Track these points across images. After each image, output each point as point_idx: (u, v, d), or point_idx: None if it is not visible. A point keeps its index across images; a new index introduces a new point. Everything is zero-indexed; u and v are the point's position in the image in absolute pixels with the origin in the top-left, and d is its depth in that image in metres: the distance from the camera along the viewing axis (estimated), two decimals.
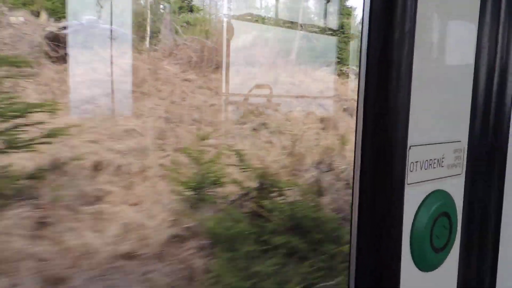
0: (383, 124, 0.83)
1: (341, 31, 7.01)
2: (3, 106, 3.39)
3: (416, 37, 0.83)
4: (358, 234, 0.89)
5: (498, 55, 1.03)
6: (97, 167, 4.44)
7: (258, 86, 5.99)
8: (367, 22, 0.83)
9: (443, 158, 0.95)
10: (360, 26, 0.87)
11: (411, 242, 0.91)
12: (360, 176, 0.87)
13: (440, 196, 0.96)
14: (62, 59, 5.47)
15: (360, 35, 0.84)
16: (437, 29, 0.90)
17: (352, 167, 0.89)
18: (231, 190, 4.35)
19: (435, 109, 0.92)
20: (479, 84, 1.02)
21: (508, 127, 1.08)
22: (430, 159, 0.92)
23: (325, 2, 6.79)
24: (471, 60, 1.00)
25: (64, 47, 5.44)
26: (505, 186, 1.11)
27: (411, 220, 0.91)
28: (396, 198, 0.86)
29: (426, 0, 0.83)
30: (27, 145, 3.37)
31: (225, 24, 5.97)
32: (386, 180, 0.84)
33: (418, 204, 0.92)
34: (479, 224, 1.09)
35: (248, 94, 5.90)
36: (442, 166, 0.95)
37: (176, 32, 6.17)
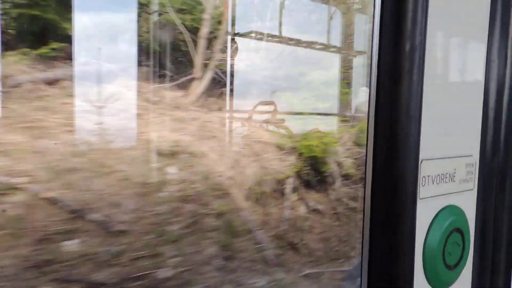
0: (395, 137, 0.82)
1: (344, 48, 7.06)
2: None
3: (426, 50, 0.82)
4: (370, 249, 0.87)
5: (508, 69, 1.02)
6: None
7: (262, 103, 6.00)
8: (377, 35, 0.82)
9: (454, 172, 0.94)
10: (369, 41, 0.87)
11: (424, 259, 0.89)
12: (371, 190, 0.85)
13: (452, 212, 0.94)
14: None
15: (370, 48, 0.84)
16: (447, 42, 0.89)
17: (363, 182, 0.87)
18: None
19: (446, 123, 0.91)
20: (489, 98, 1.01)
21: None
22: (442, 174, 0.91)
23: (328, 19, 6.86)
24: (481, 73, 0.99)
25: None
26: None
27: (424, 236, 0.89)
28: (408, 213, 0.84)
29: (436, 13, 0.83)
30: None
31: (229, 42, 6.02)
32: (398, 194, 0.83)
33: (431, 220, 0.90)
34: (492, 241, 1.06)
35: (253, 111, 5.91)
36: (454, 181, 0.94)
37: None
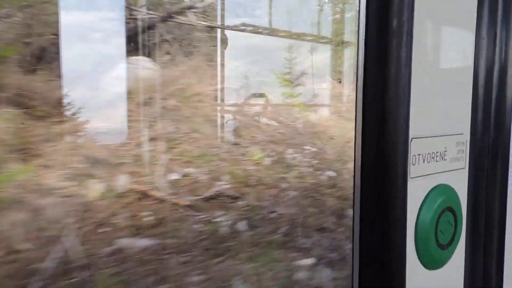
0: (384, 115, 0.80)
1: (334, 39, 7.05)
2: None
3: (414, 26, 0.81)
4: (361, 230, 0.86)
5: (497, 47, 1.01)
6: None
7: (254, 95, 5.97)
8: (364, 12, 0.81)
9: (445, 151, 0.92)
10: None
11: (416, 239, 0.88)
12: (361, 170, 0.84)
13: (443, 191, 0.93)
14: None
15: (357, 24, 0.82)
16: (435, 18, 0.88)
17: (353, 162, 0.86)
18: None
19: (435, 101, 0.90)
20: (479, 76, 1.00)
21: (510, 119, 1.06)
22: (433, 152, 0.89)
23: (319, 10, 6.82)
24: (470, 50, 0.98)
25: None
26: (509, 180, 1.08)
27: (415, 216, 0.88)
28: (399, 192, 0.83)
29: None
30: None
31: (219, 35, 5.97)
32: (389, 174, 0.82)
33: (422, 199, 0.89)
34: (484, 220, 1.06)
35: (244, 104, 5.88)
36: (444, 160, 0.93)
37: None
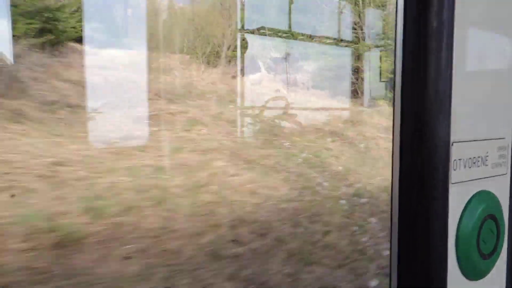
0: (424, 119, 0.77)
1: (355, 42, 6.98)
2: None
3: (455, 27, 0.77)
4: (399, 238, 0.82)
5: None
6: None
7: (274, 98, 5.96)
8: (402, 11, 0.78)
9: (487, 156, 0.88)
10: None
11: (457, 248, 0.84)
12: (399, 175, 0.81)
13: (485, 197, 0.89)
14: None
15: (395, 24, 0.80)
16: (477, 18, 0.84)
17: (391, 168, 0.83)
18: None
19: (477, 104, 0.86)
20: None
21: None
22: (474, 157, 0.86)
23: (339, 12, 6.78)
24: None
25: None
26: None
27: (456, 224, 0.84)
28: (440, 198, 0.79)
29: None
30: None
31: (239, 38, 5.99)
32: (429, 179, 0.78)
33: (463, 206, 0.85)
34: None
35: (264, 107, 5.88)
36: (486, 165, 0.89)
37: None
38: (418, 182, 0.79)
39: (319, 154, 5.26)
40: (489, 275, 0.91)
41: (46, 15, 4.28)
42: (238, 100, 5.63)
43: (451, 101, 0.78)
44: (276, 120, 5.70)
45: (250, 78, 5.92)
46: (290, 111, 5.83)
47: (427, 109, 0.77)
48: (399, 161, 0.80)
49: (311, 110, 6.20)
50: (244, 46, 5.80)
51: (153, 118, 4.35)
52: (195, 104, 4.98)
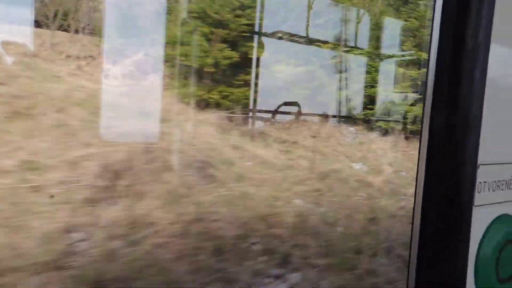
0: (452, 139, 0.77)
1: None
2: None
3: (491, 49, 0.77)
4: (418, 257, 0.82)
5: None
6: None
7: (286, 104, 5.94)
8: (438, 31, 0.78)
9: (511, 179, 0.88)
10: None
11: (476, 270, 0.83)
12: (423, 194, 0.80)
13: (507, 221, 0.88)
14: None
15: (429, 44, 0.79)
16: (510, 42, 0.84)
17: (414, 186, 0.82)
18: None
19: (505, 127, 0.86)
20: None
21: None
22: (498, 180, 0.85)
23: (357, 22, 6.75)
24: None
25: None
26: None
27: (476, 246, 0.84)
28: (463, 219, 0.79)
29: (503, 9, 0.78)
30: None
31: (255, 42, 5.98)
32: (454, 200, 0.78)
33: (485, 229, 0.84)
34: None
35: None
36: (510, 189, 0.88)
37: None
38: (443, 203, 0.78)
39: None
40: None
41: None
42: None
43: (481, 123, 0.78)
44: None
45: None
46: None
47: (456, 129, 0.76)
48: (424, 179, 0.80)
49: None
50: None
51: None
52: None
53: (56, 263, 2.10)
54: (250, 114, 4.76)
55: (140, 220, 2.52)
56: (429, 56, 0.79)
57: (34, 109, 2.80)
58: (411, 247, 0.83)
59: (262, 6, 5.60)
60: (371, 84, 6.84)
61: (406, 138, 5.69)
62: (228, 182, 3.27)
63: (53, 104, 2.90)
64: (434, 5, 0.77)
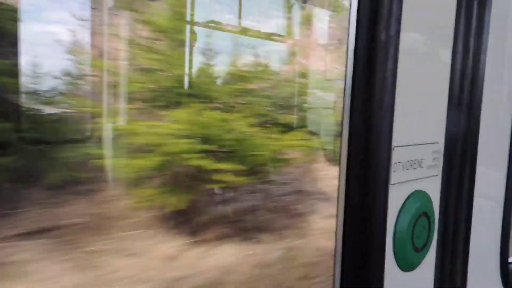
0: (369, 124, 0.84)
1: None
2: None
3: (401, 41, 0.85)
4: (343, 233, 0.89)
5: (470, 61, 1.08)
6: None
7: None
8: (354, 25, 0.84)
9: (422, 159, 0.98)
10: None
11: (394, 242, 0.93)
12: (346, 176, 0.87)
13: (420, 197, 0.98)
14: None
15: (347, 38, 0.86)
16: (421, 35, 0.93)
17: (338, 168, 0.89)
18: None
19: (416, 112, 0.95)
20: (454, 89, 1.06)
21: (478, 131, 1.13)
22: (411, 160, 0.94)
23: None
24: (447, 66, 1.04)
25: None
26: (475, 187, 1.16)
27: (394, 220, 0.93)
28: (381, 197, 0.87)
29: (410, 7, 0.86)
30: None
31: (188, 31, 5.91)
32: (372, 180, 0.86)
33: (401, 205, 0.94)
34: (453, 224, 1.12)
35: None
36: (421, 167, 0.98)
37: None
38: (362, 183, 0.86)
39: None
40: (420, 266, 1.01)
41: None
42: None
43: (394, 110, 0.86)
44: None
45: None
46: None
47: (373, 116, 0.84)
48: (346, 162, 0.87)
49: None
50: None
51: None
52: None
53: None
54: None
55: None
56: (347, 49, 0.86)
57: None
58: (337, 227, 0.90)
59: None
60: None
61: None
62: None
63: None
64: (351, 1, 0.84)
